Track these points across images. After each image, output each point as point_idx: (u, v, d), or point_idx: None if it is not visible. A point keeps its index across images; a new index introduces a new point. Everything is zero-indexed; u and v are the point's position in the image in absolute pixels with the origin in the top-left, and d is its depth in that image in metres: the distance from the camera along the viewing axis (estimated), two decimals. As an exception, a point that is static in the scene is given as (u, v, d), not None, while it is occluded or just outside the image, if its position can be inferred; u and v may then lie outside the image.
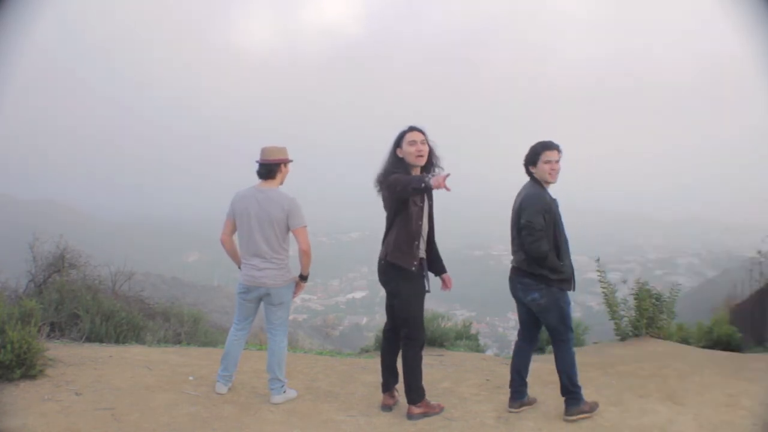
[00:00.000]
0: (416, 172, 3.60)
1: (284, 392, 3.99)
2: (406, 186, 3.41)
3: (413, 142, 3.55)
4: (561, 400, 4.01)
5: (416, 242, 3.62)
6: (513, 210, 3.68)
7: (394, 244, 3.59)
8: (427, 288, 3.72)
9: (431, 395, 4.03)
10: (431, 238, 3.77)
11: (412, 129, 3.60)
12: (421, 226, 3.63)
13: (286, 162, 3.89)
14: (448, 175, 3.23)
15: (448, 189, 3.21)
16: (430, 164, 3.66)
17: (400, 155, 3.60)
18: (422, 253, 3.70)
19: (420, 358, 3.73)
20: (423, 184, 3.30)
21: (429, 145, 3.62)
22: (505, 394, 4.19)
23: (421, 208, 3.62)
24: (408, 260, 3.59)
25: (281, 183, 3.91)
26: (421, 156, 3.57)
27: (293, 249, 3.87)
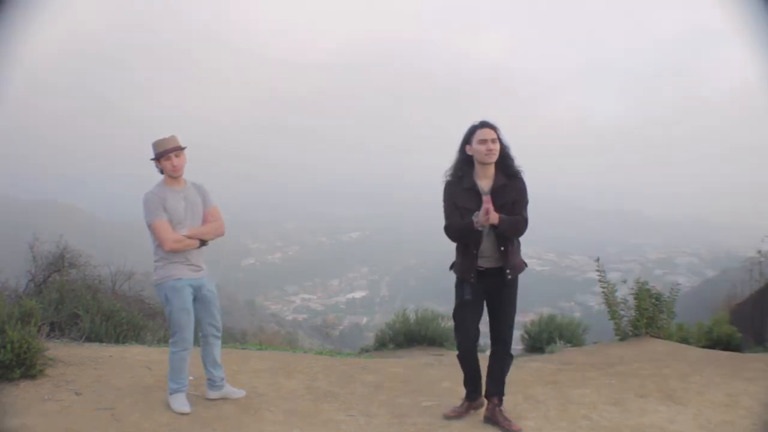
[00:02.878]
0: (488, 170, 3.44)
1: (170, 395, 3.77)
2: (460, 237, 3.43)
3: (484, 141, 3.37)
4: (561, 401, 4.03)
5: (474, 251, 3.48)
6: None
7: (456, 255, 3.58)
8: (467, 295, 3.53)
9: (431, 395, 4.04)
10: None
11: (483, 125, 3.42)
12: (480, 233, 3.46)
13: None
14: (488, 206, 3.21)
15: (491, 223, 3.24)
16: (504, 164, 3.47)
17: (470, 152, 3.45)
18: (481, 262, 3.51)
19: (460, 362, 3.72)
20: (471, 228, 3.31)
21: (502, 143, 3.44)
22: (505, 394, 4.19)
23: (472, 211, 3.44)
24: (466, 273, 3.53)
25: (167, 176, 3.71)
26: (492, 154, 3.39)
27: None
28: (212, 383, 3.89)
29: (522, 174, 3.49)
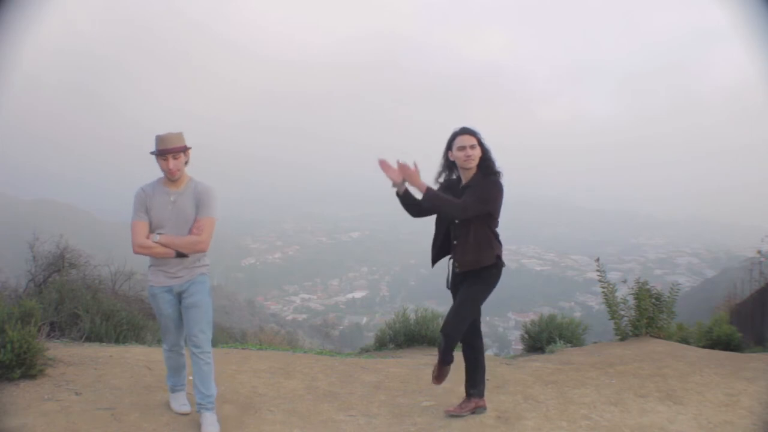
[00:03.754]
0: (469, 173, 3.51)
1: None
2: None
3: (462, 148, 3.45)
4: (561, 400, 4.03)
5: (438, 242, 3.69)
6: None
7: None
8: (447, 285, 3.71)
9: (431, 395, 4.03)
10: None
11: (463, 132, 3.49)
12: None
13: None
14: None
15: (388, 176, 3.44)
16: (484, 165, 3.50)
17: (452, 158, 3.54)
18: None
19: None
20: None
21: (484, 147, 3.50)
22: (505, 393, 4.19)
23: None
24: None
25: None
26: (470, 160, 3.46)
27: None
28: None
29: (499, 176, 3.51)
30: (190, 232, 3.36)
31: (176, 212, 3.36)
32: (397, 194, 3.51)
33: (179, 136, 3.34)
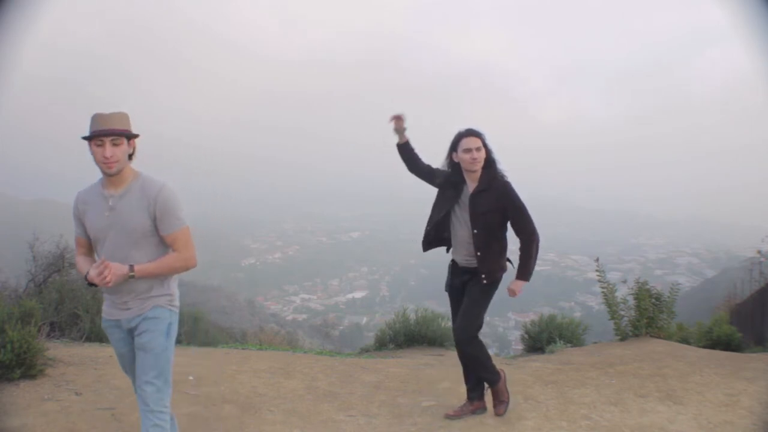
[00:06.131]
0: (473, 175, 3.50)
1: None
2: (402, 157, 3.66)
3: (468, 150, 3.43)
4: (561, 401, 4.03)
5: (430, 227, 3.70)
6: None
7: None
8: (446, 287, 3.72)
9: (431, 395, 4.03)
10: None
11: (468, 134, 3.47)
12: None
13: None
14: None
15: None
16: (492, 168, 3.50)
17: (456, 160, 3.51)
18: (454, 254, 3.67)
19: None
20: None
21: (487, 149, 3.49)
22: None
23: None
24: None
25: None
26: (476, 163, 3.45)
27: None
28: None
29: (505, 178, 3.50)
30: (137, 245, 2.50)
31: (113, 221, 2.48)
32: (397, 145, 3.60)
33: (123, 116, 2.47)
